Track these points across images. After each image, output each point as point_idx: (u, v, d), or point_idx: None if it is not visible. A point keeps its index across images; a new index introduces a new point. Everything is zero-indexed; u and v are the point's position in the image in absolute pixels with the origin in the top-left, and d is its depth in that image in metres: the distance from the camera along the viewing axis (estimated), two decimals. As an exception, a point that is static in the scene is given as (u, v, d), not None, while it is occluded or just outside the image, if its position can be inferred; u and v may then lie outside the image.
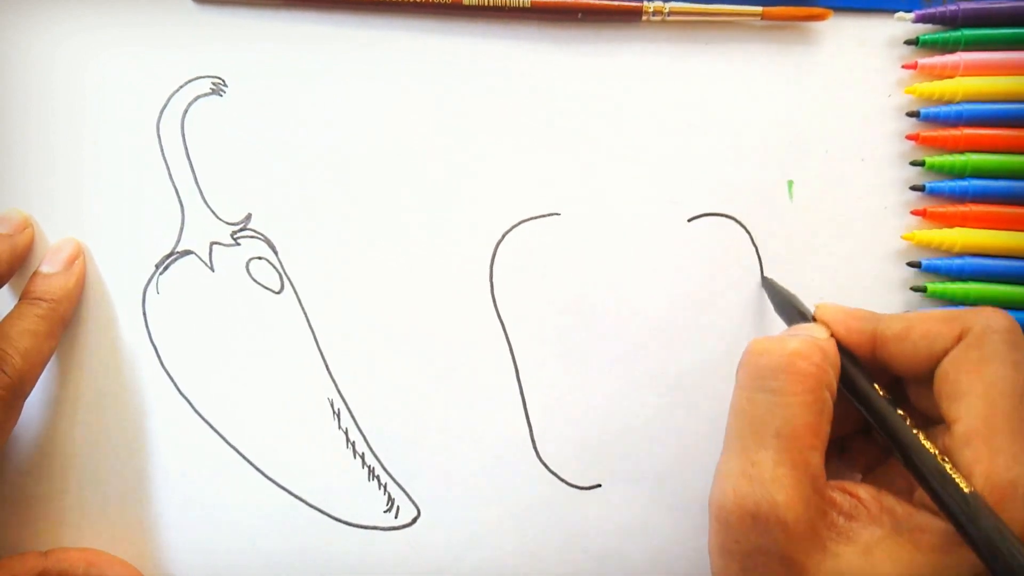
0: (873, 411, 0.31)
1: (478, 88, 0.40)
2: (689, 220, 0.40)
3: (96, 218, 0.39)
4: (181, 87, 0.40)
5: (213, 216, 0.40)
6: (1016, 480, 0.27)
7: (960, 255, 0.39)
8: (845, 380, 0.32)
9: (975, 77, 0.39)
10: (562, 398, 0.39)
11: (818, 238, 0.40)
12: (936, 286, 0.39)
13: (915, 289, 0.39)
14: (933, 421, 0.31)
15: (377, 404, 0.39)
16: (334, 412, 0.39)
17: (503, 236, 0.40)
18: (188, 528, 0.39)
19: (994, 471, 0.27)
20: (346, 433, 0.39)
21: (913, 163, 0.40)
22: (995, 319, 0.30)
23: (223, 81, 0.40)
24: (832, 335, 0.32)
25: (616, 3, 0.39)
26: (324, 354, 0.39)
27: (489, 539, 0.39)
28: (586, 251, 0.40)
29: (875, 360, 0.32)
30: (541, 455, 0.39)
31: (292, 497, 0.39)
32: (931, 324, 0.31)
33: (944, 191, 0.39)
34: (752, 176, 0.40)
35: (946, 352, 0.30)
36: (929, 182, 0.39)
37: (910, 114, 0.40)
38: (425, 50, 0.40)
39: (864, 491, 0.30)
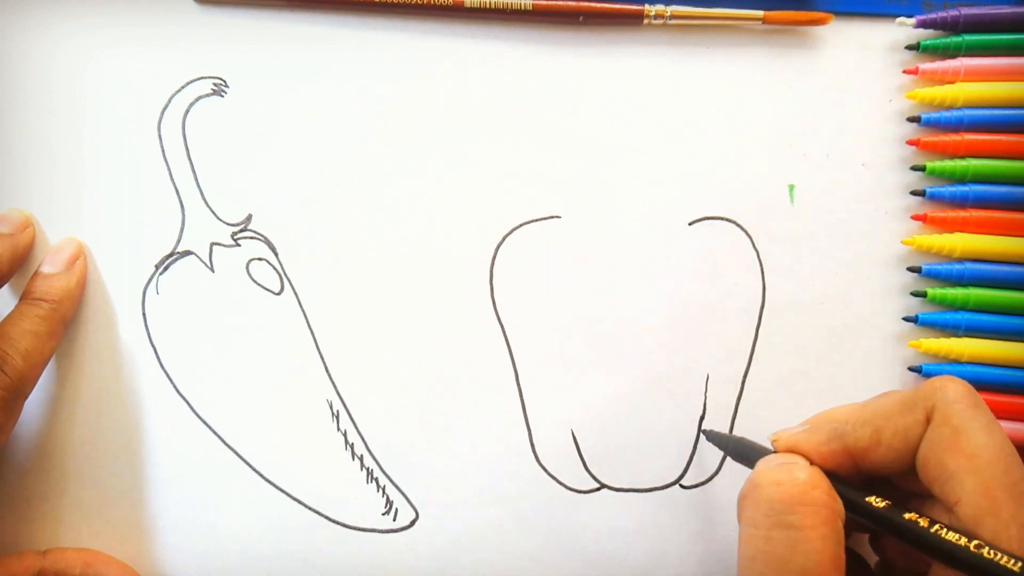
0: (898, 531, 0.29)
1: (479, 90, 0.40)
2: (690, 223, 0.40)
3: (96, 218, 0.39)
4: (182, 87, 0.40)
5: (213, 217, 0.40)
6: None
7: (960, 260, 0.39)
8: (852, 507, 0.30)
9: (976, 83, 0.39)
10: (561, 401, 0.39)
11: (819, 242, 0.40)
12: (936, 291, 0.39)
13: (915, 294, 0.39)
14: (921, 496, 0.31)
15: (376, 406, 0.39)
16: (333, 414, 0.39)
17: (503, 239, 0.40)
18: (185, 529, 0.39)
19: (1014, 546, 0.27)
20: (345, 435, 0.39)
21: (914, 168, 0.40)
22: (951, 390, 0.29)
23: (224, 82, 0.40)
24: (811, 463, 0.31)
25: (617, 6, 0.39)
26: (323, 356, 0.39)
27: (487, 542, 0.39)
28: (586, 254, 0.40)
29: (858, 473, 0.31)
30: (540, 458, 0.39)
31: (290, 499, 0.39)
32: (896, 420, 0.30)
33: (944, 196, 0.39)
34: (753, 180, 0.40)
35: (920, 439, 0.30)
36: (929, 187, 0.39)
37: (911, 119, 0.40)
38: (426, 52, 0.40)
39: None
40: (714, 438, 0.38)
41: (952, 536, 0.28)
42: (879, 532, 0.32)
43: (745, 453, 0.34)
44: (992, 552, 0.27)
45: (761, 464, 0.32)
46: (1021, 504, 0.27)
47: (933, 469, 0.29)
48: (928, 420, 0.29)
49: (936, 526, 0.28)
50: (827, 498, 0.29)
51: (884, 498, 0.30)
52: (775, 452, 0.32)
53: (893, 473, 0.31)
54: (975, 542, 0.27)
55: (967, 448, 0.28)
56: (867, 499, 0.30)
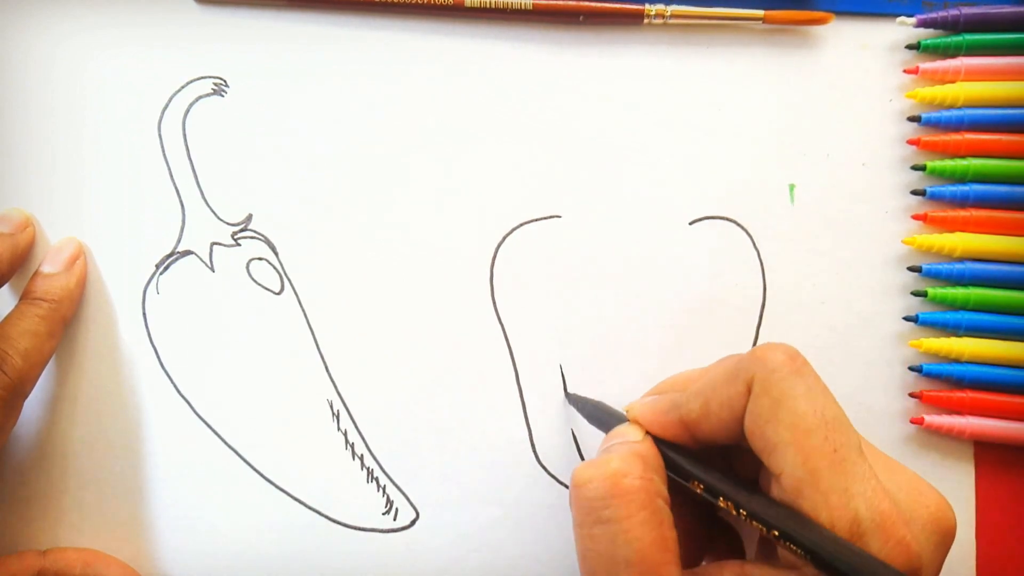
0: (712, 492, 0.30)
1: (479, 90, 0.40)
2: (690, 223, 0.40)
3: (97, 218, 0.39)
4: (183, 87, 0.40)
5: (214, 216, 0.40)
6: (857, 514, 0.27)
7: (961, 260, 0.39)
8: (677, 471, 0.31)
9: (976, 82, 0.39)
10: (561, 401, 0.39)
11: (819, 242, 0.40)
12: (937, 291, 0.39)
13: (916, 294, 0.39)
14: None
15: (377, 406, 0.39)
16: (333, 413, 0.39)
17: (503, 238, 0.40)
18: (186, 529, 0.39)
19: (834, 514, 0.27)
20: (345, 435, 0.39)
21: (914, 167, 0.40)
22: (770, 356, 0.29)
23: (225, 81, 0.40)
24: (647, 433, 0.32)
25: (618, 6, 0.39)
26: (324, 355, 0.39)
27: (488, 541, 0.39)
28: (587, 254, 0.40)
29: (697, 443, 0.31)
30: (541, 458, 0.39)
31: (290, 498, 0.39)
32: (721, 391, 0.30)
33: (945, 196, 0.39)
34: (753, 179, 0.40)
35: (744, 409, 0.29)
36: (930, 186, 0.39)
37: (911, 118, 0.40)
38: (427, 52, 0.40)
39: (729, 571, 0.29)
40: (575, 401, 0.38)
41: (756, 522, 0.28)
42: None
43: (602, 419, 0.35)
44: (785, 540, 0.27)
45: (604, 442, 0.32)
46: (840, 471, 0.27)
47: (758, 441, 0.29)
48: (749, 390, 0.29)
49: (741, 510, 0.29)
50: (640, 482, 0.29)
51: (716, 468, 0.30)
52: (627, 421, 0.33)
53: (728, 443, 0.31)
54: (774, 531, 0.28)
55: (786, 418, 0.28)
56: (691, 483, 0.30)
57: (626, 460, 0.30)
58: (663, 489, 0.30)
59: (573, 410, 0.39)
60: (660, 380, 0.38)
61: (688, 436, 0.31)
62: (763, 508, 0.28)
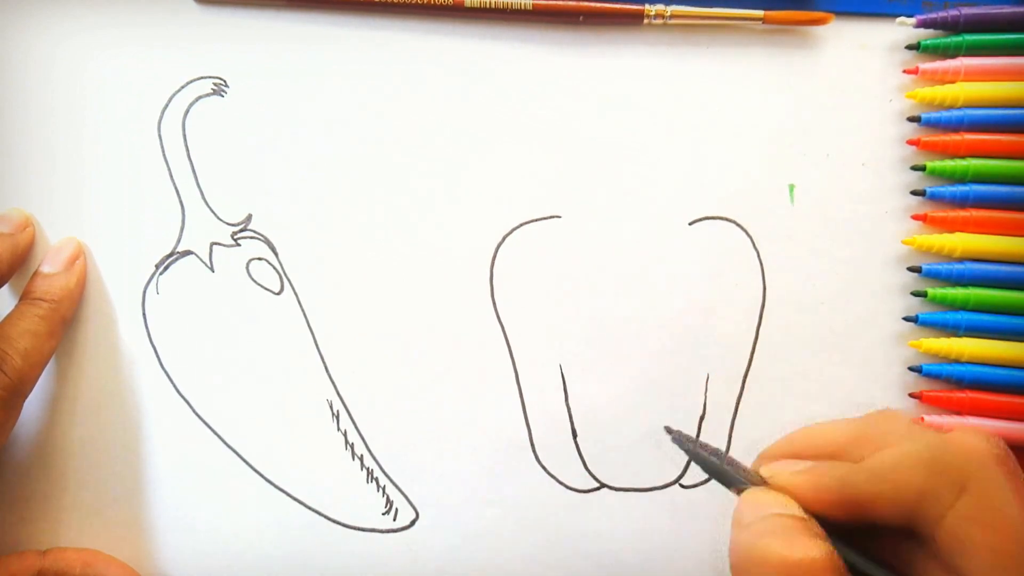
0: None
1: (479, 90, 0.40)
2: (690, 223, 0.40)
3: (96, 218, 0.39)
4: (182, 87, 0.40)
5: (214, 216, 0.40)
6: None
7: (961, 260, 0.39)
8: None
9: (976, 82, 0.39)
10: (561, 401, 0.39)
11: (819, 242, 0.40)
12: (936, 291, 0.39)
13: (915, 294, 0.39)
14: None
15: (376, 406, 0.39)
16: (333, 414, 0.39)
17: (503, 238, 0.40)
18: (186, 529, 0.39)
19: None
20: (345, 435, 0.39)
21: (914, 168, 0.40)
22: (984, 453, 0.26)
23: (224, 81, 0.40)
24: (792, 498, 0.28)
25: (617, 6, 0.39)
26: (324, 355, 0.39)
27: (487, 542, 0.39)
28: (586, 254, 0.40)
29: (845, 517, 0.28)
30: (540, 458, 0.39)
31: (290, 499, 0.39)
32: (917, 479, 0.27)
33: (945, 196, 0.39)
34: (753, 179, 0.40)
35: (947, 509, 0.26)
36: (930, 187, 0.39)
37: (911, 119, 0.40)
38: (427, 52, 0.40)
39: None
40: (679, 440, 0.32)
41: None
42: None
43: (718, 471, 0.30)
44: None
45: (761, 519, 0.28)
46: None
47: (945, 535, 0.26)
48: (962, 490, 0.26)
49: None
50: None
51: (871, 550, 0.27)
52: (758, 484, 0.29)
53: (884, 523, 0.28)
54: None
55: (991, 522, 0.26)
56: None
57: (805, 556, 0.26)
58: None
59: (573, 411, 0.39)
60: (661, 380, 0.37)
61: (845, 516, 0.28)
62: None
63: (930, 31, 0.40)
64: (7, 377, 0.35)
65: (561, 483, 0.39)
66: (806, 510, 0.28)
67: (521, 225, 0.40)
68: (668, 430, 0.32)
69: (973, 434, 0.27)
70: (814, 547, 0.26)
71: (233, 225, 0.40)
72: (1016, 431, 0.38)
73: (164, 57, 0.40)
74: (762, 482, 0.29)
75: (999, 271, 0.39)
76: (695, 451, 0.31)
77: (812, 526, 0.27)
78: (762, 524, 0.27)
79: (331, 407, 0.39)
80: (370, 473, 0.39)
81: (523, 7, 0.39)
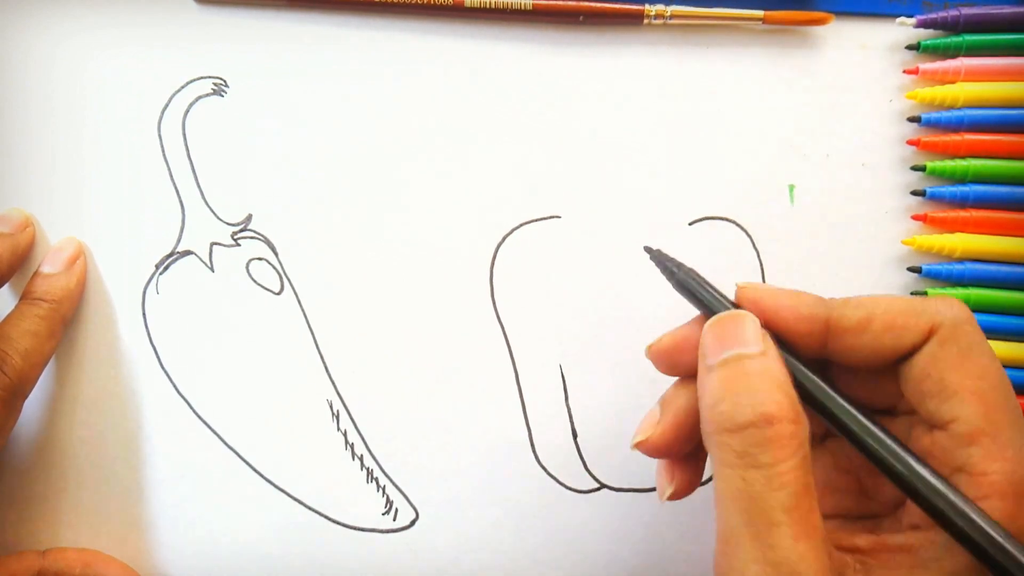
0: (857, 440, 0.28)
1: (479, 90, 0.40)
2: (690, 223, 0.40)
3: (97, 218, 0.39)
4: (182, 87, 0.40)
5: (214, 216, 0.40)
6: None
7: (961, 260, 0.39)
8: (809, 397, 0.29)
9: (976, 83, 0.39)
10: (561, 401, 0.39)
11: (819, 242, 0.40)
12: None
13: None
14: (877, 409, 0.30)
15: (376, 406, 0.39)
16: (333, 414, 0.39)
17: (503, 239, 0.40)
18: (185, 529, 0.39)
19: (1009, 468, 0.27)
20: (345, 435, 0.39)
21: (914, 168, 0.40)
22: (961, 310, 0.29)
23: (224, 81, 0.40)
24: (769, 334, 0.29)
25: (618, 6, 0.39)
26: (323, 356, 0.39)
27: (487, 542, 0.39)
28: (586, 254, 0.40)
29: (824, 351, 0.30)
30: (540, 458, 0.39)
31: (290, 499, 0.39)
32: (895, 316, 0.29)
33: (945, 196, 0.39)
34: (753, 180, 0.40)
35: (915, 347, 0.29)
36: (930, 187, 0.39)
37: (911, 119, 0.40)
38: (427, 52, 0.40)
39: (861, 539, 0.29)
40: (658, 258, 0.32)
41: (920, 468, 0.27)
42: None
43: (698, 295, 0.31)
44: (952, 490, 0.26)
45: (723, 347, 0.29)
46: (1018, 431, 0.27)
47: (932, 385, 0.28)
48: (931, 332, 0.28)
49: (913, 455, 0.27)
50: (794, 428, 0.27)
51: (856, 403, 0.28)
52: (734, 307, 0.30)
53: (861, 364, 0.30)
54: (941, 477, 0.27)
55: (974, 370, 0.28)
56: (846, 405, 0.28)
57: (774, 399, 0.27)
58: (807, 425, 0.28)
59: (573, 411, 0.39)
60: (661, 380, 0.37)
61: (819, 340, 0.30)
62: (909, 466, 0.27)
63: (930, 31, 0.40)
64: (7, 377, 0.35)
65: (561, 483, 0.39)
66: (780, 338, 0.29)
67: (521, 225, 0.40)
68: (648, 249, 0.33)
69: (947, 297, 0.29)
70: (773, 403, 0.27)
71: (233, 225, 0.40)
72: (1016, 431, 0.38)
73: (164, 57, 0.40)
74: (736, 307, 0.30)
75: (999, 271, 0.39)
76: (671, 269, 0.32)
77: (776, 372, 0.28)
78: (713, 348, 0.29)
79: (331, 407, 0.39)
80: (370, 473, 0.39)
81: (523, 7, 0.39)
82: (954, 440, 0.28)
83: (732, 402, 0.28)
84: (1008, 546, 0.25)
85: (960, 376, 0.28)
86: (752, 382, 0.28)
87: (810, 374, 0.29)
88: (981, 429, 0.27)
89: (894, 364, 0.29)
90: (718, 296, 0.31)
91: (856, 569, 0.28)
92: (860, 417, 0.28)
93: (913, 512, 0.29)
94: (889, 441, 0.28)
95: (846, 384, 0.31)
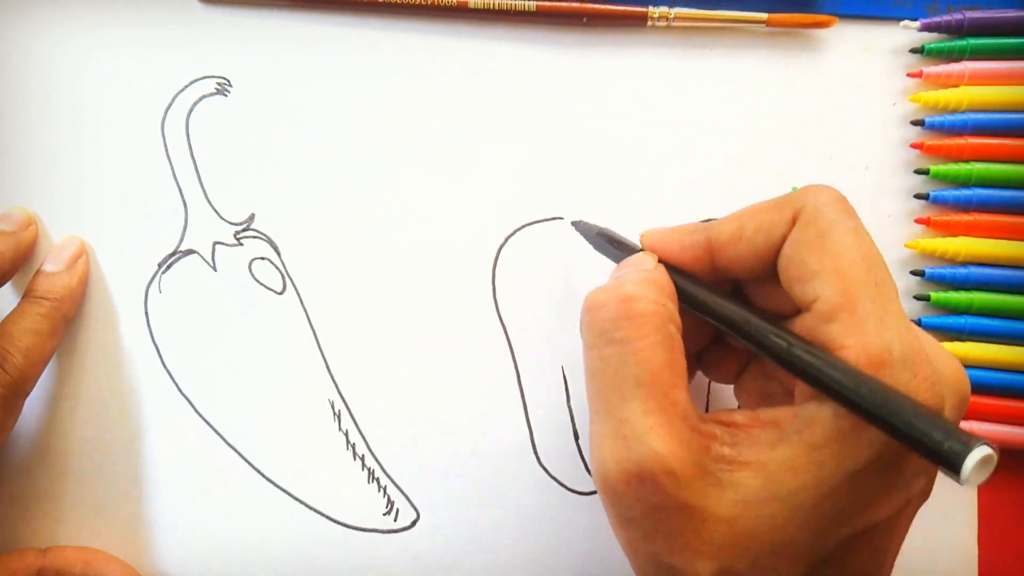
0: (728, 322, 0.30)
1: (482, 91, 0.40)
2: (693, 226, 0.40)
3: (99, 217, 0.39)
4: (186, 87, 0.40)
5: (216, 216, 0.40)
6: (889, 344, 0.27)
7: (964, 264, 0.39)
8: (689, 300, 0.31)
9: (980, 87, 0.39)
10: (563, 402, 0.39)
11: (821, 245, 0.40)
12: (940, 295, 0.39)
13: (918, 298, 0.39)
14: (785, 316, 0.30)
15: (378, 406, 0.39)
16: (335, 414, 0.39)
17: (506, 240, 0.40)
18: (186, 528, 0.39)
19: (866, 340, 0.27)
20: (346, 435, 0.39)
21: (917, 172, 0.40)
22: (822, 193, 0.29)
23: (228, 81, 0.40)
24: (660, 260, 0.32)
25: (621, 8, 0.39)
26: (325, 355, 0.39)
27: (488, 543, 0.39)
28: (589, 256, 0.40)
29: (716, 271, 0.31)
30: (541, 459, 0.39)
31: (291, 499, 0.39)
32: (763, 215, 0.30)
33: (948, 200, 0.39)
34: (756, 182, 0.40)
35: (784, 239, 0.29)
36: (933, 191, 0.39)
37: (915, 122, 0.40)
38: (430, 53, 0.40)
39: (739, 415, 0.29)
40: (581, 228, 0.37)
41: (788, 336, 0.28)
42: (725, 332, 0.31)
43: (611, 249, 0.34)
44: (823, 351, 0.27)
45: (616, 269, 0.32)
46: (880, 303, 0.27)
47: (795, 269, 0.29)
48: (794, 220, 0.29)
49: (777, 325, 0.29)
50: (654, 307, 0.29)
51: (733, 299, 0.30)
52: (641, 250, 0.33)
53: (748, 274, 0.31)
54: (806, 340, 0.28)
55: (832, 248, 0.28)
56: (718, 294, 0.30)
57: (639, 285, 0.30)
58: (676, 316, 0.30)
59: (575, 413, 0.39)
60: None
61: (708, 263, 0.31)
62: (776, 336, 0.28)
63: (934, 35, 0.40)
64: (8, 375, 0.35)
65: (562, 485, 0.39)
66: (670, 268, 0.32)
67: (524, 226, 0.40)
68: (573, 223, 0.37)
69: (819, 185, 0.30)
70: (630, 284, 0.30)
71: (236, 224, 0.40)
72: (1020, 436, 0.38)
73: (167, 56, 0.40)
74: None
75: (1002, 275, 0.39)
76: (591, 235, 0.35)
77: (652, 274, 0.31)
78: (615, 275, 0.32)
79: (332, 407, 0.39)
80: (371, 473, 0.39)
81: (527, 9, 0.39)
82: (817, 318, 0.28)
83: (601, 290, 0.30)
84: (861, 387, 0.26)
85: (819, 256, 0.28)
86: (625, 277, 0.31)
87: (690, 284, 0.31)
88: (840, 305, 0.27)
89: (774, 264, 0.30)
90: (629, 245, 0.34)
91: (724, 441, 0.29)
92: (732, 306, 0.30)
93: (783, 389, 0.30)
94: (755, 319, 0.29)
95: (761, 302, 0.32)
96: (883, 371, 0.26)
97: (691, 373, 0.35)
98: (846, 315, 0.27)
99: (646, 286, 0.30)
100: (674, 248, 0.32)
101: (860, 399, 0.26)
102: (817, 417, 0.27)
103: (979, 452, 0.24)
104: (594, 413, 0.30)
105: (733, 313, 0.30)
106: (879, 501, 0.28)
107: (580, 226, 0.37)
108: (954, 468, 0.24)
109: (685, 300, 0.31)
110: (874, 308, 0.27)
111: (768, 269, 0.30)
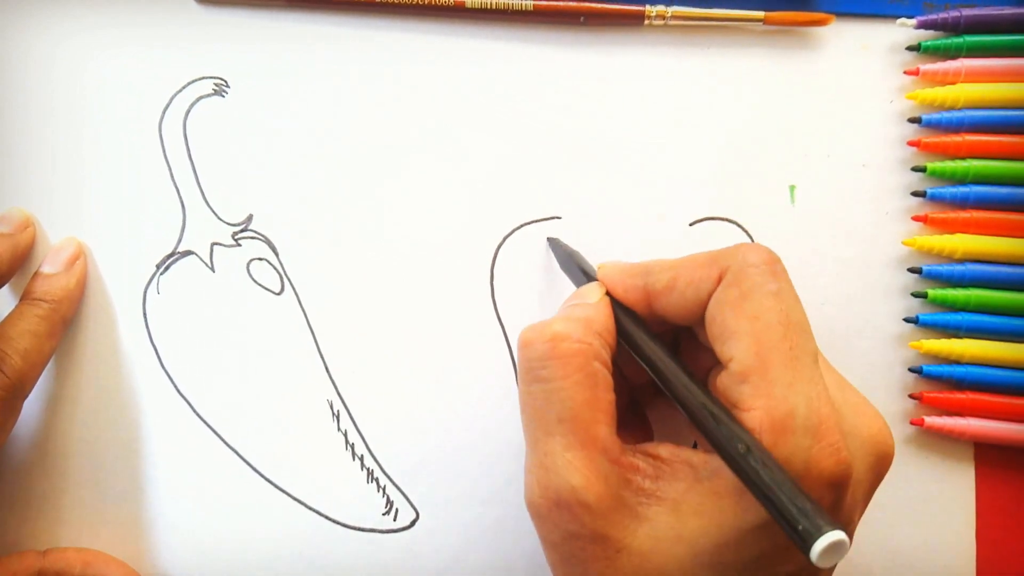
0: (650, 365, 0.31)
1: (479, 90, 0.40)
2: (690, 224, 0.40)
3: (97, 218, 0.39)
4: (183, 88, 0.40)
5: (214, 217, 0.40)
6: (794, 409, 0.27)
7: (961, 261, 0.39)
8: (625, 338, 0.32)
9: (977, 84, 0.39)
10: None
11: (819, 243, 0.40)
12: (937, 292, 0.39)
13: (916, 295, 0.39)
14: (713, 370, 0.31)
15: (377, 406, 0.39)
16: (333, 414, 0.39)
17: (504, 239, 0.40)
18: (186, 529, 0.39)
19: (772, 404, 0.27)
20: (345, 435, 0.39)
21: (914, 169, 0.40)
22: (751, 253, 0.30)
23: (225, 82, 0.40)
24: (608, 294, 0.33)
25: (618, 7, 0.39)
26: (324, 356, 0.39)
27: (487, 542, 0.39)
28: (587, 254, 0.40)
29: (653, 315, 0.32)
30: (541, 458, 0.39)
31: (290, 499, 0.39)
32: (694, 270, 0.31)
33: (945, 197, 0.39)
34: (754, 180, 0.40)
35: (710, 296, 0.30)
36: (930, 188, 0.39)
37: (912, 120, 0.40)
38: (428, 53, 0.40)
39: (665, 449, 0.30)
40: (554, 246, 0.38)
41: (696, 389, 0.29)
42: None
43: (574, 272, 0.36)
44: (722, 411, 0.28)
45: (564, 303, 0.34)
46: (792, 368, 0.28)
47: (716, 327, 0.30)
48: (720, 278, 0.30)
49: (691, 376, 0.29)
50: (578, 346, 0.30)
51: (664, 345, 0.31)
52: (595, 280, 0.34)
53: (681, 323, 0.32)
54: (715, 400, 0.29)
55: (750, 310, 0.29)
56: (649, 338, 0.31)
57: (567, 324, 0.31)
58: (603, 353, 0.31)
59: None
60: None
61: (646, 307, 0.32)
62: (686, 389, 0.29)
63: (931, 32, 0.40)
64: (7, 377, 0.35)
65: (561, 484, 0.39)
66: (615, 303, 0.33)
67: (522, 226, 0.40)
68: (549, 239, 0.39)
69: (750, 244, 0.31)
70: (559, 323, 0.31)
71: (234, 225, 0.40)
72: (1017, 432, 0.38)
73: (165, 57, 0.40)
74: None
75: (1000, 272, 0.39)
76: (562, 255, 0.37)
77: (590, 310, 0.32)
78: (565, 305, 0.33)
79: (331, 407, 0.39)
80: (370, 473, 0.39)
81: (524, 8, 0.39)
82: (731, 378, 0.29)
83: (532, 328, 0.31)
84: (749, 457, 0.27)
85: (737, 317, 0.29)
86: (560, 315, 0.32)
87: (630, 322, 0.32)
88: (752, 367, 0.28)
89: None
90: (588, 273, 0.35)
91: (646, 475, 0.30)
92: (657, 350, 0.31)
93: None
94: (673, 367, 0.30)
95: (692, 352, 0.33)
96: (784, 436, 0.27)
97: (635, 403, 0.36)
98: (757, 377, 0.28)
99: (573, 324, 0.31)
100: (618, 288, 0.33)
101: (737, 467, 0.27)
102: (723, 468, 0.28)
103: (829, 537, 0.24)
104: (526, 443, 0.31)
105: (653, 355, 0.31)
106: (778, 561, 0.28)
107: (553, 244, 0.39)
108: (804, 548, 0.25)
109: (622, 335, 0.32)
110: (784, 373, 0.28)
111: (696, 322, 0.31)
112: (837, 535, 0.24)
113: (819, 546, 0.24)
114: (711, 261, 0.30)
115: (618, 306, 0.32)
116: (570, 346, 0.30)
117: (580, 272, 0.35)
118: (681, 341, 0.35)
